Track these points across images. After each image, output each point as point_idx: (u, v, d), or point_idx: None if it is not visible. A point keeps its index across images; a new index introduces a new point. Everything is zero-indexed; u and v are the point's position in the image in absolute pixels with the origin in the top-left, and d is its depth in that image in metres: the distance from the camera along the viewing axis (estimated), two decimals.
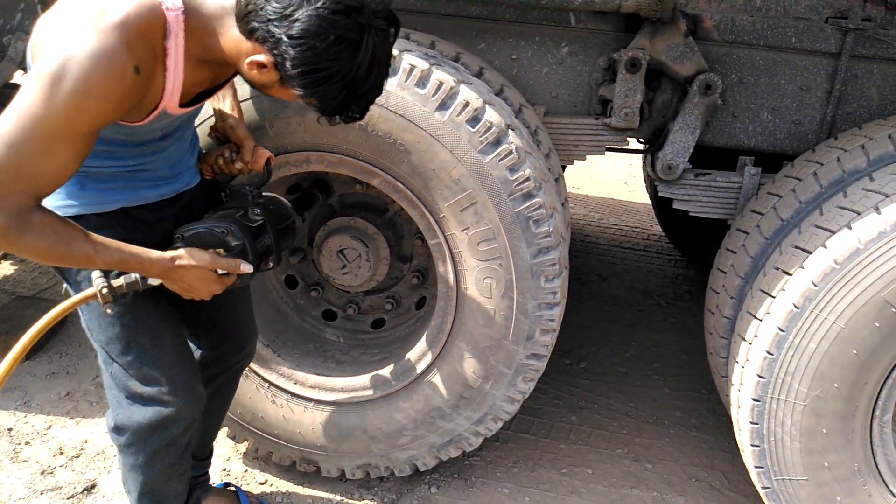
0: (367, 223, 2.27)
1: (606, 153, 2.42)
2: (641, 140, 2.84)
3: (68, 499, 2.26)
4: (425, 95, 1.88)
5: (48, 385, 2.76)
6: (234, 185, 1.71)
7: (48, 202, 1.40)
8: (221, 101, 1.78)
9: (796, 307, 1.84)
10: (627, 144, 2.52)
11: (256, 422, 2.32)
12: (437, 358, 2.13)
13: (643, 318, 3.60)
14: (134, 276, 1.48)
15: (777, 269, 1.97)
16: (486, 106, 1.92)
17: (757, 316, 1.98)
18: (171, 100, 1.38)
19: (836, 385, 1.84)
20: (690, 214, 2.37)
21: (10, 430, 2.52)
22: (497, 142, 1.90)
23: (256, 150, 1.72)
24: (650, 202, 4.46)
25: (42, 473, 2.34)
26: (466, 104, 1.89)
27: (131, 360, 1.63)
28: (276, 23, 1.22)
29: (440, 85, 1.88)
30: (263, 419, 2.30)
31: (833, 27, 2.17)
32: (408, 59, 1.89)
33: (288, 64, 1.25)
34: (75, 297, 1.50)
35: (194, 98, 1.47)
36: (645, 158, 2.64)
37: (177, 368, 1.67)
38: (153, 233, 1.59)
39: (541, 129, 2.23)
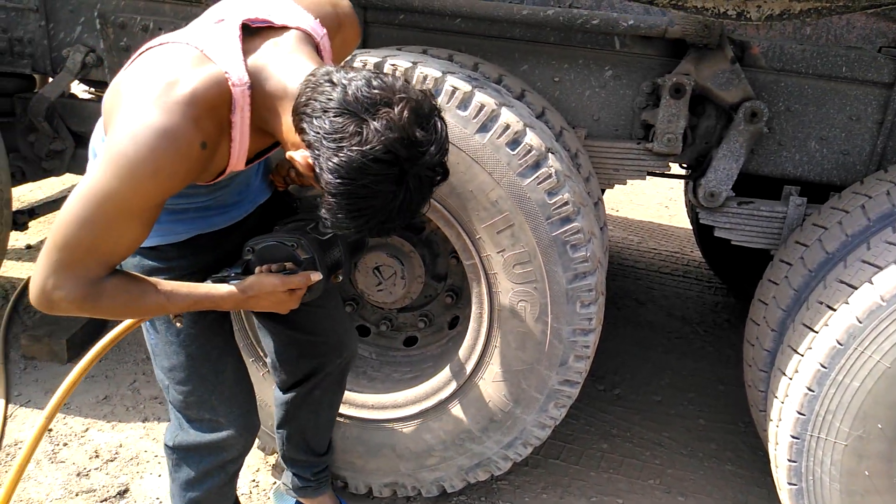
0: (403, 241, 2.28)
1: (647, 177, 2.40)
2: (683, 165, 2.80)
3: (102, 502, 2.30)
4: (466, 117, 1.88)
5: (87, 388, 2.82)
6: (306, 197, 1.71)
7: None
8: None
9: (840, 343, 1.79)
10: (669, 170, 2.50)
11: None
12: (469, 379, 2.12)
13: (680, 345, 3.53)
14: None
15: (821, 303, 1.92)
16: (527, 129, 1.91)
17: (798, 350, 1.92)
18: (237, 164, 1.39)
19: (879, 425, 1.78)
20: (732, 243, 2.33)
21: (49, 430, 2.58)
22: (536, 165, 1.90)
23: None
24: (691, 227, 4.39)
25: (78, 475, 2.39)
26: (507, 127, 1.89)
27: (191, 389, 1.67)
28: (324, 139, 1.16)
29: (481, 107, 1.88)
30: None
31: (886, 57, 2.12)
32: (450, 81, 1.90)
33: (322, 182, 1.20)
34: (125, 324, 1.53)
35: (256, 155, 1.48)
36: (687, 185, 2.61)
37: (235, 400, 1.72)
38: (220, 252, 1.62)
39: (581, 153, 2.22)
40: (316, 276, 1.54)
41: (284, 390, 2.02)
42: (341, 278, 1.68)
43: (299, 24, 1.37)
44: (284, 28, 1.36)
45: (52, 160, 2.91)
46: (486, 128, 1.89)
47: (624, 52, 2.28)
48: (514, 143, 1.89)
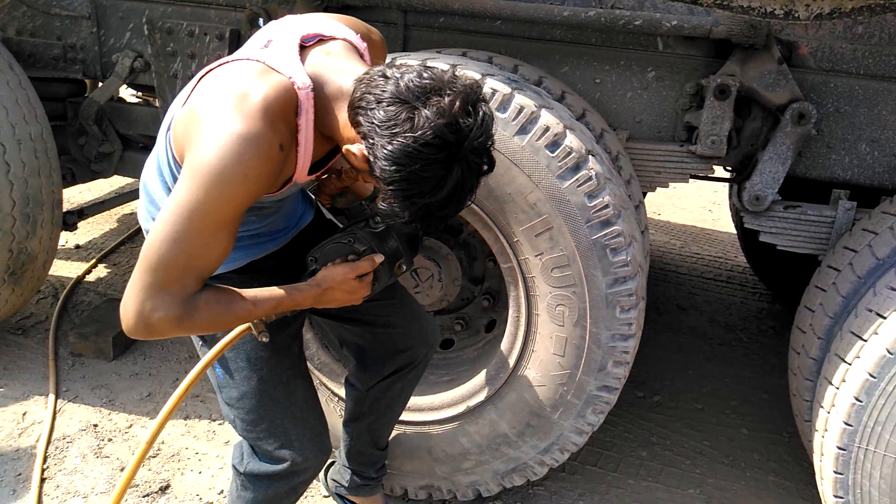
0: (440, 243, 2.28)
1: (690, 180, 2.36)
2: (727, 168, 2.75)
3: (144, 497, 2.34)
4: (506, 120, 1.87)
5: (131, 385, 2.89)
6: (353, 206, 1.75)
7: None
8: None
9: (890, 353, 1.73)
10: (713, 172, 2.45)
11: (337, 443, 2.34)
12: (505, 383, 2.10)
13: (722, 352, 3.46)
14: None
15: (870, 310, 1.85)
16: (567, 131, 1.90)
17: (846, 359, 1.87)
18: (302, 172, 1.44)
19: None
20: (778, 248, 2.27)
21: (95, 426, 2.65)
22: (576, 167, 1.88)
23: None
24: (735, 231, 4.30)
25: (122, 470, 2.45)
26: (547, 129, 1.87)
27: (262, 415, 1.66)
28: (378, 129, 1.23)
29: (521, 109, 1.87)
30: (331, 433, 2.33)
31: None
32: (490, 83, 1.89)
33: (377, 170, 1.26)
34: (231, 335, 1.52)
35: (312, 167, 1.51)
36: (731, 188, 2.56)
37: (308, 423, 1.72)
38: (276, 277, 1.63)
39: (622, 155, 2.19)
40: (379, 258, 1.57)
41: (367, 389, 2.01)
42: (405, 268, 1.70)
43: (345, 35, 1.48)
44: (332, 39, 1.46)
45: (101, 162, 3.00)
46: (526, 130, 1.88)
47: (667, 53, 2.25)
48: (554, 145, 1.88)
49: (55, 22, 2.81)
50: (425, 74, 1.25)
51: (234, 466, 1.79)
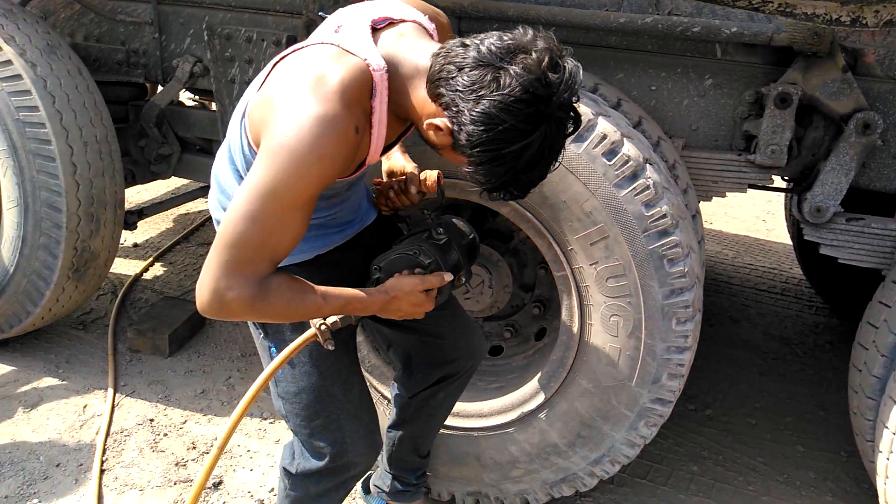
0: (492, 250, 2.28)
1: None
2: (785, 178, 2.68)
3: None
4: None
5: (186, 381, 2.96)
6: (414, 214, 1.77)
7: None
8: None
9: None
10: (771, 182, 2.39)
11: None
12: (556, 393, 2.09)
13: (777, 366, 3.37)
14: None
15: None
16: (624, 139, 1.88)
17: None
18: (374, 155, 1.45)
19: None
20: (839, 261, 2.20)
21: (151, 420, 2.72)
22: (633, 176, 1.86)
23: (424, 175, 1.76)
24: (790, 242, 4.19)
25: (176, 465, 2.51)
26: (604, 137, 1.86)
27: (319, 410, 1.67)
28: (462, 95, 1.24)
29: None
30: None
31: None
32: None
33: (463, 136, 1.27)
34: (298, 341, 1.53)
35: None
36: (791, 199, 2.49)
37: (362, 419, 1.73)
38: (340, 271, 1.66)
39: (679, 164, 2.15)
40: (448, 276, 1.58)
41: (411, 396, 2.02)
42: (465, 279, 1.71)
43: (414, 17, 1.50)
44: (402, 21, 1.47)
45: (160, 164, 3.08)
46: (583, 137, 1.86)
47: (725, 60, 2.20)
48: (611, 153, 1.86)
49: (119, 28, 2.90)
50: (506, 37, 1.25)
51: (283, 468, 1.81)
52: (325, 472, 1.73)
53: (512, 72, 1.21)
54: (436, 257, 1.58)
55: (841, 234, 2.18)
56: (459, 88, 1.24)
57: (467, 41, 1.28)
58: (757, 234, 5.17)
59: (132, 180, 3.17)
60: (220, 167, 1.61)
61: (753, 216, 5.52)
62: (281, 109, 1.30)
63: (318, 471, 1.73)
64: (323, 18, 1.57)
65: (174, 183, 4.69)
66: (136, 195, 4.64)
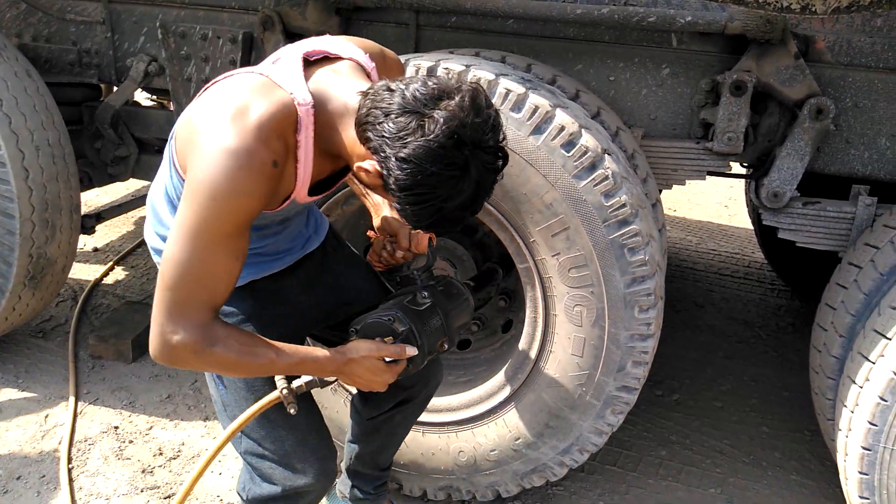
0: (455, 244, 2.28)
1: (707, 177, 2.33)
2: (744, 164, 2.72)
3: (165, 498, 2.36)
4: (520, 120, 1.87)
5: (151, 387, 2.91)
6: (404, 273, 1.74)
7: None
8: (370, 197, 1.82)
9: None
10: (730, 169, 2.43)
11: (342, 436, 2.35)
12: (523, 384, 2.10)
13: (741, 350, 3.43)
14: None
15: (893, 308, 1.83)
16: (582, 130, 1.89)
17: (869, 358, 1.84)
18: (301, 189, 1.43)
19: None
20: (797, 245, 2.25)
21: (116, 427, 2.67)
22: (592, 167, 1.87)
23: (414, 236, 1.75)
24: (752, 227, 4.26)
25: (143, 472, 2.47)
26: (562, 128, 1.86)
27: (265, 434, 1.64)
28: (388, 141, 1.24)
29: (535, 109, 1.86)
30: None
31: None
32: (504, 83, 1.89)
33: (391, 180, 1.26)
34: (261, 402, 1.51)
35: (316, 186, 1.51)
36: (748, 185, 2.53)
37: (308, 445, 1.68)
38: (279, 300, 1.64)
39: (638, 153, 2.17)
40: (411, 351, 1.53)
41: (367, 419, 2.00)
42: (447, 347, 1.66)
43: (352, 55, 1.48)
44: (339, 58, 1.46)
45: (117, 165, 3.02)
46: (541, 130, 1.87)
47: (681, 50, 2.23)
48: (570, 144, 1.87)
49: (70, 27, 2.83)
50: (430, 82, 1.26)
51: (238, 493, 1.77)
52: (277, 499, 1.69)
53: (436, 117, 1.22)
54: (411, 325, 1.54)
55: (798, 218, 2.22)
56: (386, 135, 1.24)
57: (392, 85, 1.27)
58: (719, 219, 5.25)
59: (89, 183, 3.10)
60: (155, 195, 1.59)
61: (716, 202, 5.61)
62: (201, 141, 1.29)
63: (271, 497, 1.68)
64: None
65: (133, 185, 4.59)
66: (95, 198, 4.55)
